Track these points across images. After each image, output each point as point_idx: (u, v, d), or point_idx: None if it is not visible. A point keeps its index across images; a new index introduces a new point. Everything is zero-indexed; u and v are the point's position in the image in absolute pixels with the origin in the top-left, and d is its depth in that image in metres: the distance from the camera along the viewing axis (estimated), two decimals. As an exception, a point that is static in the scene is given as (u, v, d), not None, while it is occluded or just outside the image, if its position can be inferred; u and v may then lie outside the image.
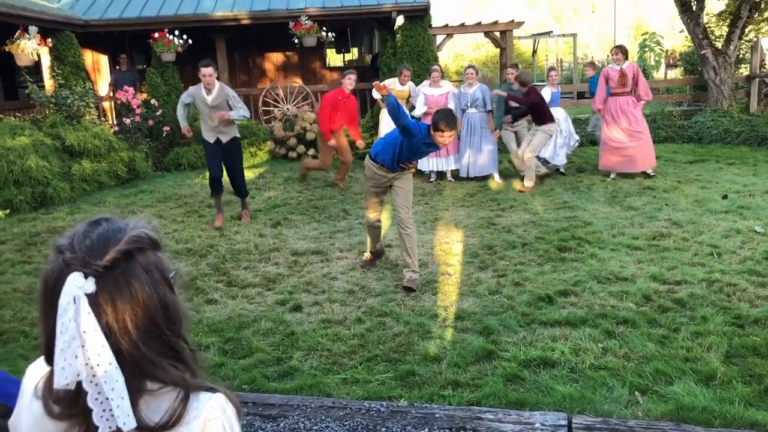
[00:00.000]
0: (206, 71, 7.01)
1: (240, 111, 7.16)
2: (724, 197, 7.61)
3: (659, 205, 7.45)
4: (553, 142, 9.75)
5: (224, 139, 7.28)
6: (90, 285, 0.99)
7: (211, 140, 7.26)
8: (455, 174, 9.97)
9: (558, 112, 9.79)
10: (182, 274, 1.17)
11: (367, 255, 5.86)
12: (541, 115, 8.87)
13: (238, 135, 7.50)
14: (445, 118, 4.89)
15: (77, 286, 0.98)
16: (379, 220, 5.67)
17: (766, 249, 5.62)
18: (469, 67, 10.16)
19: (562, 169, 9.89)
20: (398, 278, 5.43)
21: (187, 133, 7.59)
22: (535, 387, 3.54)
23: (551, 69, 10.42)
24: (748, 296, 4.63)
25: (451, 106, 9.52)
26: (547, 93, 9.74)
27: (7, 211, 8.11)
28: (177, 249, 6.43)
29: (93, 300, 0.99)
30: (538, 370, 3.73)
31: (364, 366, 3.89)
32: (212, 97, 7.08)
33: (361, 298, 5.05)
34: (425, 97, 9.67)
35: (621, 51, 9.23)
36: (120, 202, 8.81)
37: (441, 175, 10.02)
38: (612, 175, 9.22)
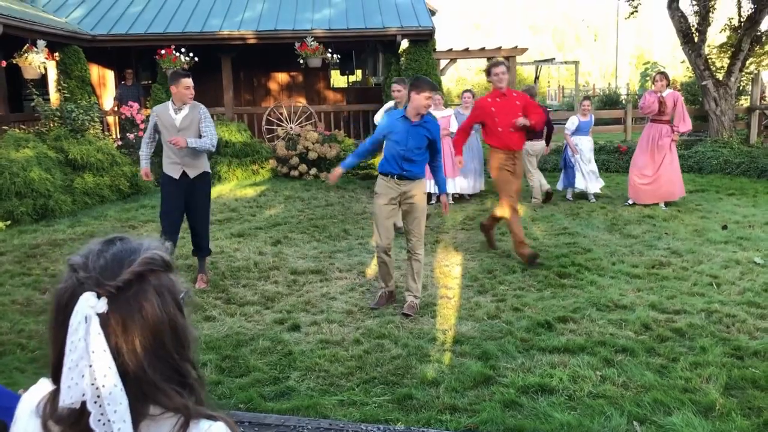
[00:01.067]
0: (188, 82, 5.61)
1: (207, 140, 5.61)
2: (724, 227, 7.63)
3: (659, 233, 7.46)
4: (580, 171, 9.86)
5: (192, 173, 5.68)
6: (102, 305, 1.00)
7: (175, 175, 5.65)
8: (455, 197, 10.05)
9: (585, 142, 9.85)
10: (191, 296, 1.18)
11: (381, 293, 5.38)
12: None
13: (209, 170, 5.91)
14: (431, 82, 4.96)
15: (90, 305, 0.98)
16: (390, 248, 5.26)
17: (765, 281, 5.62)
18: (466, 91, 10.39)
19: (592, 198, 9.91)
20: (397, 300, 5.42)
21: (145, 177, 6.00)
22: (532, 414, 3.52)
23: (585, 98, 10.51)
24: (747, 328, 4.62)
25: (454, 128, 9.65)
26: (573, 121, 9.88)
27: (8, 222, 8.11)
28: (176, 265, 6.41)
29: (104, 320, 1.00)
30: (536, 397, 3.71)
31: (362, 388, 3.87)
32: (181, 117, 5.62)
33: (360, 318, 5.04)
34: None
35: (665, 78, 9.25)
36: (121, 217, 8.82)
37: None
38: (630, 201, 9.27)
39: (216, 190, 10.77)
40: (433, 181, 9.84)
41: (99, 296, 1.00)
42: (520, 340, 4.51)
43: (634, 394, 3.70)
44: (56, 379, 1.04)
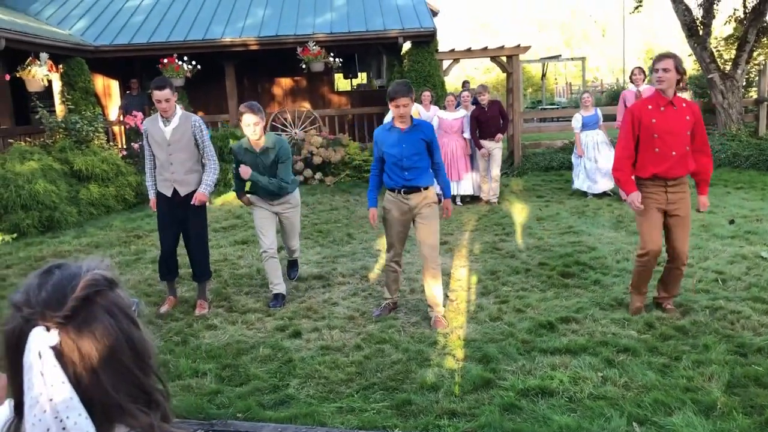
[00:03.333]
0: (160, 94, 5.07)
1: (211, 174, 5.31)
2: (731, 222, 7.55)
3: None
4: (584, 171, 9.81)
5: (183, 190, 5.30)
6: (53, 337, 0.98)
7: (167, 192, 5.31)
8: (465, 199, 10.04)
9: (592, 137, 9.78)
10: (142, 307, 1.17)
11: (385, 304, 5.28)
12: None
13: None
14: (394, 87, 4.80)
15: (40, 340, 0.97)
16: (400, 259, 5.19)
17: (771, 275, 5.55)
18: (464, 89, 10.39)
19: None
20: (399, 304, 5.40)
21: (154, 208, 5.54)
22: (532, 417, 3.49)
23: (584, 92, 10.44)
24: (751, 324, 4.56)
25: (467, 131, 9.73)
26: (577, 119, 9.83)
27: (15, 235, 8.17)
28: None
29: (58, 352, 0.98)
30: (536, 400, 3.68)
31: (361, 394, 3.85)
32: (171, 129, 5.20)
33: (361, 324, 5.03)
34: (440, 120, 9.77)
35: (642, 72, 9.19)
36: (126, 227, 8.85)
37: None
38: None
39: (221, 198, 10.80)
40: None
41: (48, 329, 0.99)
42: (521, 341, 4.48)
43: (635, 394, 3.66)
44: (19, 413, 1.03)
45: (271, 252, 5.56)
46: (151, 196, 5.50)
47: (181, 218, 5.39)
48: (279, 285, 5.57)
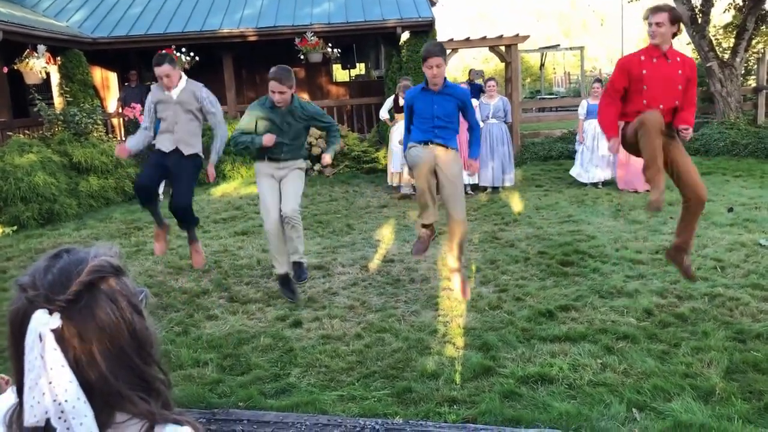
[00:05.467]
0: (160, 70, 5.18)
1: (219, 141, 5.48)
2: (730, 210, 7.56)
3: (664, 218, 7.40)
4: (580, 159, 9.82)
5: (186, 150, 5.43)
6: (55, 320, 0.99)
7: (167, 148, 5.40)
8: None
9: (593, 126, 9.75)
10: (150, 296, 1.17)
11: (421, 231, 5.10)
12: None
13: (202, 155, 5.60)
14: (427, 47, 4.73)
15: (42, 323, 0.98)
16: (433, 189, 4.86)
17: (770, 263, 5.57)
18: (490, 79, 10.25)
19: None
20: (399, 293, 5.42)
21: (120, 153, 5.56)
22: (532, 404, 3.51)
23: (596, 81, 10.33)
24: (750, 311, 4.59)
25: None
26: (583, 105, 9.83)
27: (15, 227, 8.17)
28: (180, 265, 6.45)
29: (59, 335, 0.99)
30: (535, 387, 3.70)
31: (362, 383, 3.87)
32: (178, 90, 5.34)
33: (362, 313, 5.05)
34: None
35: None
36: (126, 218, 8.86)
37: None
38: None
39: (220, 189, 10.82)
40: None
41: (51, 312, 0.99)
42: (521, 329, 4.50)
43: (635, 381, 3.68)
44: (21, 395, 1.04)
45: (275, 225, 5.19)
46: (129, 144, 5.47)
47: (173, 168, 5.39)
48: (281, 263, 5.31)
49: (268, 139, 5.05)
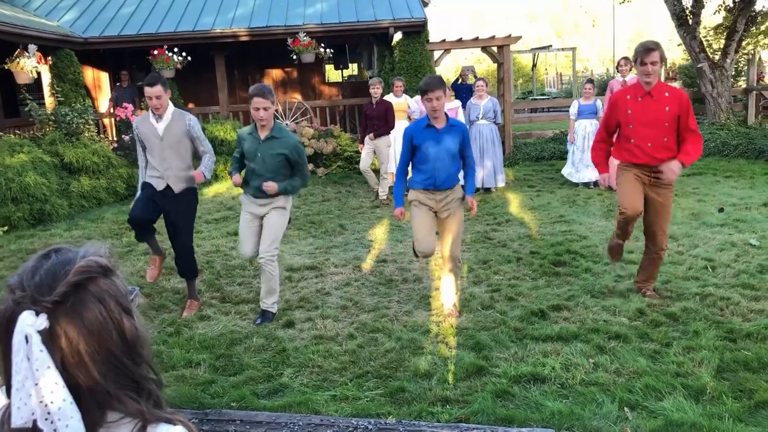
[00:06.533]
0: (151, 91, 4.89)
1: (210, 160, 5.21)
2: (721, 210, 7.61)
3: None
4: (571, 159, 9.86)
5: (177, 187, 5.11)
6: (42, 321, 0.98)
7: (158, 187, 5.10)
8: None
9: (584, 126, 9.77)
10: (141, 296, 1.17)
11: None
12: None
13: (196, 186, 5.28)
14: (426, 80, 4.66)
15: (28, 324, 0.97)
16: (433, 251, 4.95)
17: (760, 262, 5.61)
18: (479, 79, 10.27)
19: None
20: (392, 294, 5.43)
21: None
22: (524, 403, 3.52)
23: (588, 81, 10.35)
24: (741, 310, 4.62)
25: (461, 118, 9.64)
26: (574, 105, 9.86)
27: (5, 228, 8.13)
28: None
29: (47, 336, 0.99)
30: (528, 386, 3.71)
31: (354, 383, 3.87)
32: (164, 126, 5.02)
33: (354, 313, 5.05)
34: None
35: (629, 62, 9.19)
36: (118, 219, 8.82)
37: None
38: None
39: (213, 189, 10.79)
40: None
41: (37, 313, 0.99)
42: (513, 329, 4.51)
43: (627, 380, 3.70)
44: (9, 397, 1.04)
45: (249, 259, 5.08)
46: (141, 178, 5.27)
47: (169, 211, 5.14)
48: (272, 294, 5.02)
49: (234, 181, 4.97)
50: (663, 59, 4.58)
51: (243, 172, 5.05)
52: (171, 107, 5.09)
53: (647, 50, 4.54)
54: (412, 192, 4.88)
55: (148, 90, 4.90)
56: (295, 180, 4.92)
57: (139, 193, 5.25)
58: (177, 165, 5.09)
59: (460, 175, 4.85)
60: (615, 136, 4.92)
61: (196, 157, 5.27)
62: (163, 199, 5.12)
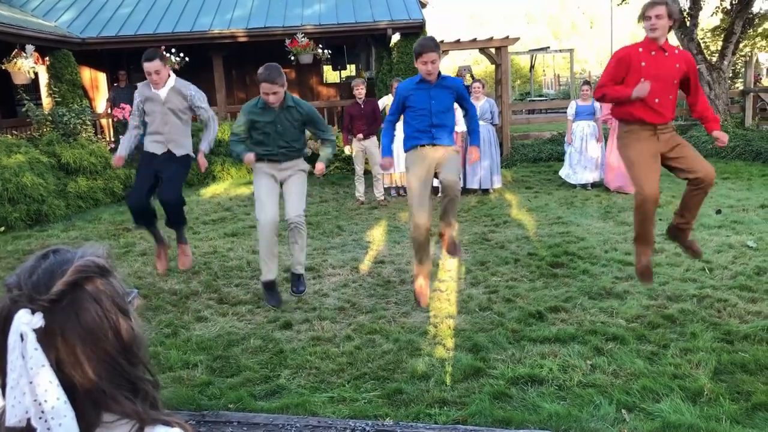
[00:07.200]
0: (150, 66, 5.04)
1: (211, 132, 5.40)
2: (718, 212, 7.62)
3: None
4: (568, 160, 9.88)
5: (178, 151, 5.33)
6: (38, 320, 0.99)
7: (158, 151, 5.29)
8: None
9: (581, 127, 9.77)
10: (139, 297, 1.17)
11: (420, 284, 5.08)
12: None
13: (193, 155, 5.49)
14: (420, 41, 4.67)
15: (24, 322, 0.98)
16: (428, 227, 4.92)
17: (757, 264, 5.62)
18: (476, 80, 10.29)
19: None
20: (390, 295, 5.43)
21: (117, 163, 5.47)
22: (522, 405, 3.52)
23: (585, 83, 10.36)
24: (738, 312, 4.62)
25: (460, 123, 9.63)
26: (572, 106, 9.87)
27: (2, 228, 8.11)
28: (170, 266, 6.42)
29: (42, 335, 0.99)
30: (525, 388, 3.71)
31: (352, 384, 3.87)
32: (166, 90, 5.21)
33: (352, 315, 5.04)
34: None
35: None
36: (115, 219, 8.81)
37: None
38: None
39: (210, 190, 10.79)
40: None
41: (33, 312, 0.99)
42: (511, 331, 4.51)
43: (624, 382, 3.70)
44: (4, 395, 1.04)
45: (269, 228, 4.99)
46: (121, 152, 5.32)
47: (164, 167, 5.22)
48: (269, 270, 5.11)
49: (248, 159, 4.97)
50: (673, 18, 4.44)
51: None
52: (172, 77, 5.20)
53: (651, 3, 4.44)
54: (409, 155, 4.87)
55: (146, 65, 5.00)
56: (326, 148, 5.09)
57: (124, 144, 5.35)
58: (177, 130, 5.20)
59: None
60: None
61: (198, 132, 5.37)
62: (158, 161, 5.17)
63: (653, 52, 4.51)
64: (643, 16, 4.50)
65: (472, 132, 5.08)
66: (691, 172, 4.50)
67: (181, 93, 5.21)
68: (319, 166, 5.01)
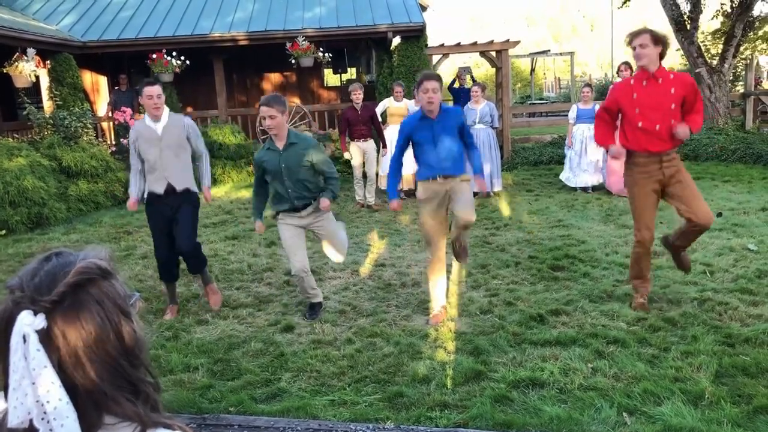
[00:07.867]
0: (152, 90, 5.02)
1: (204, 161, 5.42)
2: (719, 215, 7.61)
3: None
4: (568, 163, 9.87)
5: (179, 186, 5.17)
6: (40, 321, 0.99)
7: (159, 190, 5.13)
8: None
9: (582, 131, 9.77)
10: (140, 300, 1.17)
11: (438, 311, 4.96)
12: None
13: (196, 189, 5.33)
14: (424, 73, 4.74)
15: (26, 323, 0.98)
16: (444, 249, 4.96)
17: (758, 267, 5.61)
18: (476, 84, 10.30)
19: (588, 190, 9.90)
20: (390, 298, 5.42)
21: (132, 207, 5.38)
22: (523, 408, 3.52)
23: (586, 85, 10.35)
24: (739, 315, 4.61)
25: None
26: (573, 109, 9.88)
27: (3, 231, 8.12)
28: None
29: (44, 336, 0.99)
30: (526, 391, 3.71)
31: (353, 387, 3.87)
32: (162, 126, 5.11)
33: (353, 318, 5.04)
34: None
35: (629, 67, 9.18)
36: (116, 223, 8.82)
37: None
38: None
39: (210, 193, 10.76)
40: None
41: (35, 313, 0.99)
42: (512, 334, 4.51)
43: (625, 385, 3.69)
44: (7, 397, 1.04)
45: (303, 274, 5.04)
46: (133, 196, 5.32)
47: (173, 212, 5.19)
48: (316, 294, 5.20)
49: (258, 229, 5.24)
50: (660, 43, 4.49)
51: (268, 204, 5.14)
52: (166, 109, 5.22)
53: (635, 33, 4.57)
54: (421, 186, 4.85)
55: (149, 89, 5.01)
56: (331, 185, 5.01)
57: (133, 185, 5.33)
58: (176, 164, 5.15)
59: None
60: (617, 122, 4.87)
61: (193, 160, 5.38)
62: (167, 204, 5.16)
63: (645, 82, 4.61)
64: (630, 46, 4.60)
65: (474, 164, 4.98)
66: (688, 212, 4.66)
67: (177, 125, 5.17)
68: (324, 203, 4.93)
